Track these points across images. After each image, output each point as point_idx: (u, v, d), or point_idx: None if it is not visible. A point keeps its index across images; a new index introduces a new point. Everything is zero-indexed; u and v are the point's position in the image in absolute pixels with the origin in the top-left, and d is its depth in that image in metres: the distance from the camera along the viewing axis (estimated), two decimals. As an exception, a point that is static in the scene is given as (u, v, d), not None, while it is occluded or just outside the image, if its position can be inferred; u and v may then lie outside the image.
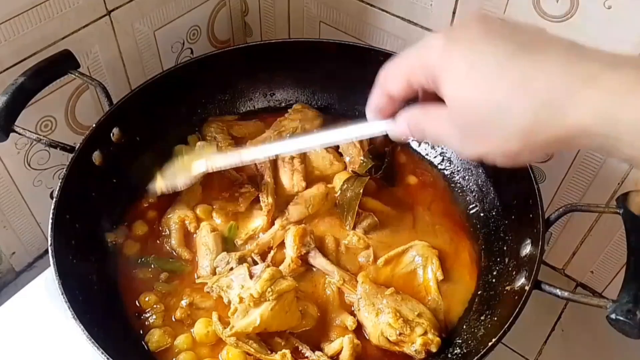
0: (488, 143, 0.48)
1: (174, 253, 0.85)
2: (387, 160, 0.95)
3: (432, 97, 0.52)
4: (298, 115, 0.99)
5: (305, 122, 0.98)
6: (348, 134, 0.63)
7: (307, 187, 0.91)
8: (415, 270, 0.82)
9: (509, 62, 0.45)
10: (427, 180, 0.95)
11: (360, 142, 0.95)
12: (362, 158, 0.93)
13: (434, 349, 0.73)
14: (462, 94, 0.47)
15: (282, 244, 0.84)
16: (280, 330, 0.74)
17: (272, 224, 0.86)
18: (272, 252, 0.83)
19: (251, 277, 0.74)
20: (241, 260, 0.80)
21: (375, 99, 0.56)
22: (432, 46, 0.49)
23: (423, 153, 0.99)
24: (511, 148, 0.47)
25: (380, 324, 0.75)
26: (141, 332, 0.77)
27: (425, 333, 0.73)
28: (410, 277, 0.82)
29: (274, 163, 0.94)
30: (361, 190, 0.88)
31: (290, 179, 0.91)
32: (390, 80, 0.54)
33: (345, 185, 0.89)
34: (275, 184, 0.91)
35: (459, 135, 0.50)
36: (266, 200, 0.88)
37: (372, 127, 0.59)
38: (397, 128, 0.57)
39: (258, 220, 0.87)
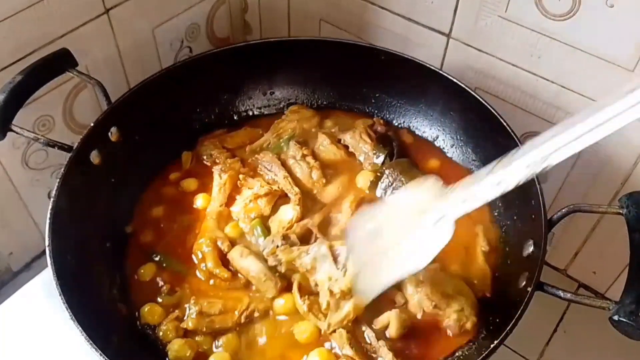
0: None
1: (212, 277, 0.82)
2: (395, 145, 0.94)
3: None
4: (295, 116, 0.99)
5: (303, 122, 0.98)
6: None
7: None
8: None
9: None
10: (444, 163, 0.95)
11: (369, 135, 0.94)
12: (374, 151, 0.93)
13: (469, 326, 0.74)
14: None
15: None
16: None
17: (304, 213, 0.85)
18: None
19: (335, 259, 0.75)
20: (285, 238, 0.80)
21: None
22: None
23: (430, 139, 0.98)
24: None
25: (418, 294, 0.76)
26: (142, 333, 0.77)
27: (462, 310, 0.74)
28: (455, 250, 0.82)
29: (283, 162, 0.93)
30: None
31: (309, 176, 0.91)
32: None
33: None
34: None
35: None
36: (292, 189, 0.87)
37: None
38: None
39: (288, 214, 0.86)
